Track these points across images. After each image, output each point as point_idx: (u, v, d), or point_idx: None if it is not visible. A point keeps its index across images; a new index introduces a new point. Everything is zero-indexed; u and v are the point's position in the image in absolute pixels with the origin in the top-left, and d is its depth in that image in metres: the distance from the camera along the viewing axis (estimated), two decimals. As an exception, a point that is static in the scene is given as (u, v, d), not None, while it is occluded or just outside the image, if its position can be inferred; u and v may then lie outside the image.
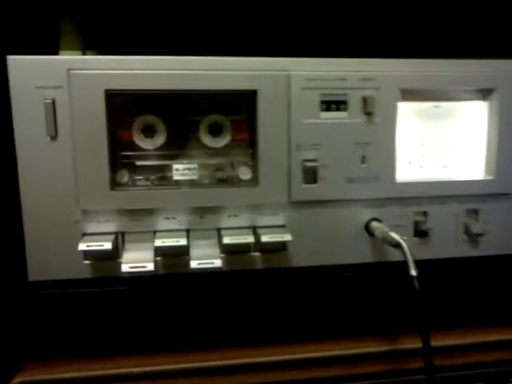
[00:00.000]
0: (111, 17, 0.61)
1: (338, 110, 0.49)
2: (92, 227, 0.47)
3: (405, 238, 0.46)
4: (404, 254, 0.45)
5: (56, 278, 0.47)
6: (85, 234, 0.47)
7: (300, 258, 0.50)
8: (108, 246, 0.45)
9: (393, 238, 0.47)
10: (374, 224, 0.50)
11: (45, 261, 0.47)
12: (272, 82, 0.47)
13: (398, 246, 0.46)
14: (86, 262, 0.48)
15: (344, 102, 0.49)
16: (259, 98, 0.47)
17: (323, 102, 0.48)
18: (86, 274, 0.48)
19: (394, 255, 0.50)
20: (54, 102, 0.45)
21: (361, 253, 0.52)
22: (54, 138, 0.45)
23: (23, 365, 0.48)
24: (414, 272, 0.44)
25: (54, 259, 0.47)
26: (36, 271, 0.47)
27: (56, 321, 0.48)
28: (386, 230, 0.48)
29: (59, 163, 0.46)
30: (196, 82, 0.46)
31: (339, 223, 0.51)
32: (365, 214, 0.51)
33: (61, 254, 0.47)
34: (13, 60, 0.44)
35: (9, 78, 0.45)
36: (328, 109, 0.48)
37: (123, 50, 0.47)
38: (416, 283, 0.44)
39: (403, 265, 0.45)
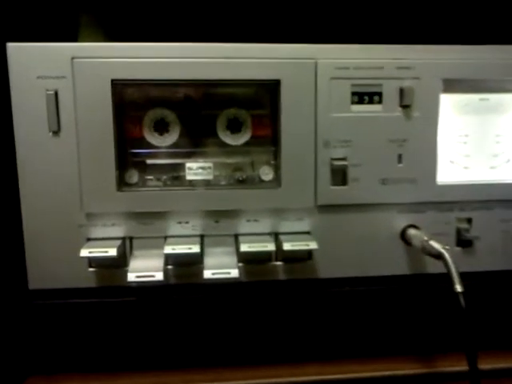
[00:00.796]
0: (131, 6, 0.56)
1: (371, 102, 0.44)
2: (97, 232, 0.43)
3: (447, 247, 0.41)
4: (447, 266, 0.39)
5: (58, 286, 0.43)
6: (89, 239, 0.43)
7: (327, 269, 0.45)
8: (113, 252, 0.41)
9: (433, 248, 0.41)
10: (412, 231, 0.45)
11: (46, 268, 0.43)
12: (297, 70, 0.42)
13: (439, 257, 0.41)
14: (91, 269, 0.44)
15: (378, 94, 0.44)
16: (283, 89, 0.42)
17: (355, 94, 0.43)
18: (91, 282, 0.44)
19: (434, 267, 0.45)
20: (56, 94, 0.41)
21: (396, 263, 0.46)
22: (56, 133, 0.41)
23: (25, 380, 0.44)
24: (459, 288, 0.38)
25: (56, 266, 0.43)
26: (37, 279, 0.43)
27: (58, 333, 0.44)
28: (426, 238, 0.43)
29: (62, 161, 0.42)
30: (213, 71, 0.42)
31: (371, 230, 0.46)
32: (401, 220, 0.46)
33: (63, 261, 0.43)
34: (12, 47, 0.41)
35: (8, 67, 0.41)
36: (360, 101, 0.44)
37: (143, 40, 0.42)
38: (462, 300, 0.38)
39: (445, 278, 0.39)
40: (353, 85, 0.43)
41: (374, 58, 0.43)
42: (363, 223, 0.45)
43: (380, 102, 0.44)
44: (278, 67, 0.42)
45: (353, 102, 0.43)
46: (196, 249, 0.41)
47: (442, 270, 0.40)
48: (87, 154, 0.42)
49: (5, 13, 0.47)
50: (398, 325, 0.47)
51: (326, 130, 0.43)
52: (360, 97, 0.43)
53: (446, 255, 0.40)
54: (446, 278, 0.39)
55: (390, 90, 0.44)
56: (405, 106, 0.44)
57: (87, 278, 0.43)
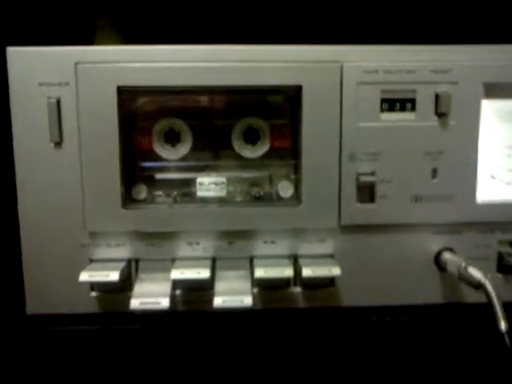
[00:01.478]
0: (140, 7, 0.53)
1: (403, 110, 0.39)
2: (101, 252, 0.40)
3: (489, 276, 0.36)
4: (489, 299, 0.35)
5: (58, 311, 0.40)
6: (92, 260, 0.40)
7: (351, 297, 0.41)
8: (115, 276, 0.37)
9: (473, 277, 0.37)
10: (447, 255, 0.40)
11: (45, 291, 0.40)
12: (320, 75, 0.38)
13: (479, 287, 0.36)
14: (93, 293, 0.40)
15: (411, 101, 0.39)
16: (304, 96, 0.38)
17: (385, 101, 0.39)
18: (93, 308, 0.40)
19: (473, 296, 0.40)
20: (58, 102, 0.38)
21: (429, 291, 0.42)
22: (58, 144, 0.38)
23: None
24: (503, 326, 0.33)
25: (56, 289, 0.40)
26: (35, 303, 0.40)
27: (57, 361, 0.41)
28: (464, 264, 0.38)
29: (64, 175, 0.39)
30: (228, 77, 0.38)
31: (402, 254, 0.41)
32: (435, 243, 0.41)
33: (64, 284, 0.40)
34: (12, 52, 0.38)
35: (8, 72, 0.38)
36: (391, 109, 0.39)
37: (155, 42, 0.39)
38: (507, 339, 0.33)
39: (486, 309, 0.35)
40: (382, 90, 0.39)
41: (406, 61, 0.39)
42: (392, 246, 0.41)
43: (413, 109, 0.39)
44: (300, 71, 0.38)
45: (382, 110, 0.39)
46: (206, 274, 0.37)
47: (483, 299, 0.35)
48: (91, 168, 0.39)
49: (7, 15, 0.44)
50: (430, 362, 0.42)
51: (353, 141, 0.39)
52: (390, 104, 0.39)
53: (488, 286, 0.35)
54: (488, 309, 0.35)
55: (424, 96, 0.39)
56: (441, 114, 0.39)
57: (89, 303, 0.40)
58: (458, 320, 0.42)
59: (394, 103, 0.39)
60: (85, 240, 0.40)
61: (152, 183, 0.42)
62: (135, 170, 0.41)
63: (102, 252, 0.40)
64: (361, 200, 0.40)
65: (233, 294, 0.37)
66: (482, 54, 0.40)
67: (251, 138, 0.42)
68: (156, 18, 0.52)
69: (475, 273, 0.37)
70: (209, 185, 0.40)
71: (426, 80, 0.39)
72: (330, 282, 0.41)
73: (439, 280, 0.41)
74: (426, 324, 0.41)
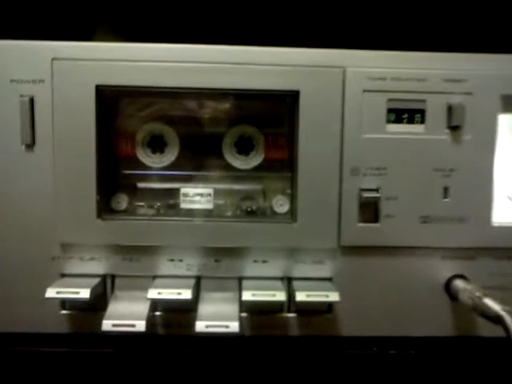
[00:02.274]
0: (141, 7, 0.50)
1: (411, 121, 0.36)
2: (73, 266, 0.36)
3: (508, 308, 0.32)
4: (508, 333, 0.31)
5: (24, 330, 0.37)
6: (64, 275, 0.36)
7: (350, 325, 0.38)
8: (85, 294, 0.34)
9: (489, 308, 0.32)
10: (459, 284, 0.37)
11: (11, 307, 0.37)
12: (320, 80, 0.35)
13: (497, 320, 0.31)
14: (64, 312, 0.37)
15: (421, 112, 0.36)
16: (302, 103, 0.35)
17: (391, 111, 0.36)
18: (63, 327, 0.37)
19: (489, 329, 0.35)
20: (32, 101, 0.35)
21: (438, 322, 0.38)
22: (29, 147, 0.35)
23: None
24: (525, 365, 0.29)
25: (23, 306, 0.37)
26: (-1, 320, 0.37)
27: (22, 385, 0.37)
28: (478, 294, 0.34)
29: (35, 180, 0.36)
30: (219, 79, 0.35)
31: (409, 279, 0.37)
32: (446, 269, 0.37)
33: (31, 300, 0.36)
34: (-17, 46, 0.35)
35: (-22, 68, 0.35)
36: (398, 120, 0.36)
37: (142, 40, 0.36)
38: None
39: (503, 343, 0.31)
40: (389, 100, 0.36)
41: (416, 68, 0.36)
42: (398, 271, 0.37)
43: (422, 121, 0.36)
44: (298, 76, 0.35)
45: (389, 121, 0.36)
46: (187, 295, 0.34)
47: (500, 333, 0.31)
48: (64, 173, 0.35)
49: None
50: (438, 400, 0.38)
51: (355, 154, 0.36)
52: (398, 115, 0.36)
53: (508, 320, 0.31)
54: (506, 344, 0.30)
55: (435, 108, 0.36)
56: (453, 128, 0.36)
57: (58, 323, 0.37)
58: (471, 356, 0.38)
59: (401, 114, 0.36)
60: (56, 252, 0.36)
61: (133, 193, 0.39)
62: (115, 178, 0.38)
63: (75, 266, 0.36)
64: (363, 219, 0.36)
65: (218, 318, 0.34)
66: (500, 63, 0.36)
67: (244, 147, 0.39)
68: (148, 17, 0.49)
69: (492, 304, 0.33)
70: (194, 196, 0.36)
71: (437, 90, 0.36)
72: (327, 308, 0.37)
73: (450, 310, 0.37)
74: (435, 359, 0.37)
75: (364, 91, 0.35)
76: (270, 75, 0.35)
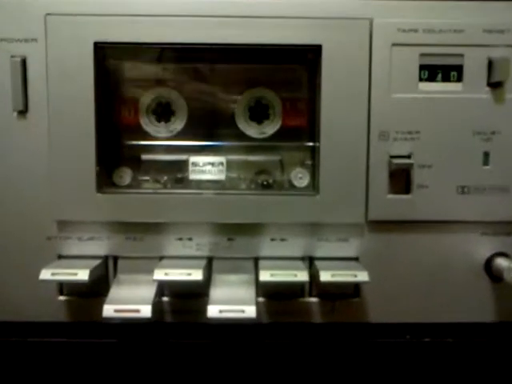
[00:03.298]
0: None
1: (447, 79, 0.33)
2: (71, 247, 0.33)
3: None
4: None
5: (19, 319, 0.34)
6: (61, 257, 0.33)
7: (380, 311, 0.34)
8: (84, 276, 0.30)
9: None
10: (502, 262, 0.33)
11: (4, 294, 0.34)
12: (345, 33, 0.32)
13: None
14: (61, 298, 0.34)
15: (457, 68, 0.33)
16: (325, 60, 0.32)
17: (424, 67, 0.33)
18: (61, 315, 0.34)
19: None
20: (24, 62, 0.32)
21: (478, 306, 0.34)
22: (22, 113, 0.33)
23: None
24: None
25: (17, 292, 0.34)
26: (-10, 308, 0.34)
27: (16, 379, 0.34)
28: (526, 272, 0.30)
29: (28, 150, 0.33)
30: (231, 34, 0.32)
31: (444, 258, 0.34)
32: (486, 246, 0.34)
33: (26, 285, 0.33)
34: (-31, 2, 0.32)
35: (-36, 27, 0.32)
36: (432, 77, 0.33)
37: None
38: None
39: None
40: (422, 54, 0.32)
41: (452, 18, 0.32)
42: (432, 248, 0.34)
43: (460, 78, 0.33)
44: (319, 28, 0.32)
45: (422, 79, 0.33)
46: (198, 275, 0.30)
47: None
48: (60, 143, 0.32)
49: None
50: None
51: (384, 116, 0.32)
52: (432, 71, 0.33)
53: None
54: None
55: (474, 62, 0.32)
56: (495, 85, 0.32)
57: (56, 310, 0.34)
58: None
59: (435, 70, 0.33)
60: (52, 231, 0.33)
61: (137, 165, 0.35)
62: (117, 150, 0.35)
63: (73, 246, 0.33)
64: (393, 190, 0.33)
65: (232, 302, 0.30)
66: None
67: (259, 113, 0.36)
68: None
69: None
70: (204, 165, 0.33)
71: (476, 42, 0.32)
72: (353, 291, 0.34)
73: (492, 292, 0.34)
74: (475, 348, 0.34)
75: (393, 45, 0.32)
76: (288, 29, 0.32)
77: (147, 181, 0.35)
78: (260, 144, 0.36)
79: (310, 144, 0.35)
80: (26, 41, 0.32)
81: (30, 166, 0.32)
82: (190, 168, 0.33)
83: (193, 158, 0.33)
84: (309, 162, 0.35)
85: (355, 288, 0.34)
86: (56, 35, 0.31)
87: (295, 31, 0.32)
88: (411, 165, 0.32)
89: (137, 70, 0.35)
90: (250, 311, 0.30)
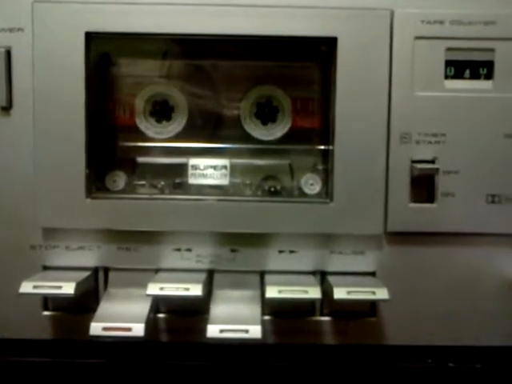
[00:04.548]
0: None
1: (476, 76, 0.30)
2: (57, 257, 0.31)
3: None
4: None
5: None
6: (46, 268, 0.31)
7: (399, 331, 0.31)
8: (69, 289, 0.28)
9: None
10: (537, 279, 0.30)
11: None
12: (363, 25, 0.29)
13: None
14: (46, 313, 0.31)
15: (488, 64, 0.30)
16: (340, 54, 0.29)
17: (451, 63, 0.30)
18: (46, 332, 0.31)
19: None
20: (8, 53, 0.30)
21: (509, 328, 0.31)
22: (6, 109, 0.30)
23: None
24: None
25: None
26: (-32, 324, 0.31)
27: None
28: None
29: (12, 150, 0.30)
30: (237, 25, 0.29)
31: (472, 274, 0.31)
32: (519, 261, 0.31)
33: (6, 300, 0.31)
34: None
35: None
36: (459, 74, 0.30)
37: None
38: None
39: None
40: (449, 49, 0.29)
41: (482, 8, 0.29)
42: (459, 263, 0.31)
43: (490, 76, 0.30)
44: (334, 19, 0.29)
45: (448, 76, 0.30)
46: (197, 291, 0.27)
47: None
48: (47, 142, 0.29)
49: None
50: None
51: (406, 117, 0.30)
52: (459, 68, 0.30)
53: None
54: None
55: (506, 58, 0.29)
56: (530, 83, 0.30)
57: (40, 327, 0.31)
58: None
59: (463, 67, 0.30)
60: (36, 239, 0.31)
61: (133, 169, 0.33)
62: (110, 151, 0.33)
63: (60, 256, 0.31)
64: (416, 198, 0.30)
65: (235, 321, 0.28)
66: None
67: (266, 113, 0.33)
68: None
69: None
70: (205, 169, 0.30)
71: (509, 35, 0.29)
72: (370, 309, 0.31)
73: (526, 313, 0.31)
74: (505, 374, 0.31)
75: (416, 38, 0.29)
76: (299, 19, 0.29)
77: (143, 185, 0.32)
78: (267, 146, 0.33)
79: (323, 147, 0.32)
80: (11, 30, 0.29)
81: (14, 168, 0.30)
82: (190, 171, 0.30)
83: (192, 161, 0.30)
84: (321, 167, 0.32)
85: (371, 306, 0.31)
86: (44, 24, 0.29)
87: (307, 22, 0.29)
88: (436, 170, 0.29)
89: (133, 64, 0.32)
90: (255, 331, 0.27)
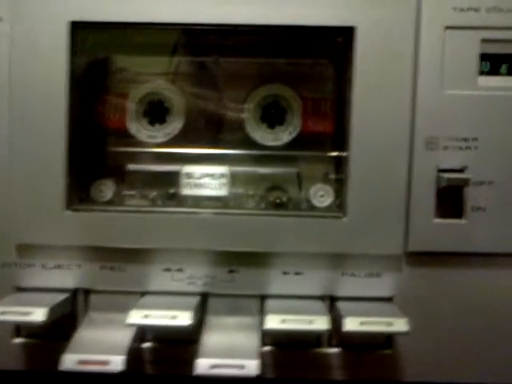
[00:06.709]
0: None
1: None
2: (33, 277, 0.28)
3: None
4: None
5: None
6: (20, 289, 0.28)
7: (418, 367, 0.28)
8: (39, 315, 0.24)
9: None
10: None
11: None
12: (385, 13, 0.26)
13: None
14: (17, 340, 0.28)
15: None
16: (359, 46, 0.26)
17: (486, 57, 0.27)
18: (17, 362, 0.28)
19: None
20: None
21: None
22: None
23: None
24: None
25: None
26: None
27: None
28: None
29: None
30: (240, 13, 0.26)
31: (505, 301, 0.28)
32: (561, 287, 0.27)
33: None
34: None
35: None
36: (495, 70, 0.27)
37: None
38: None
39: None
40: (484, 40, 0.26)
41: (521, -5, 0.26)
42: (490, 288, 0.28)
43: None
44: (352, 6, 0.26)
45: (482, 72, 0.27)
46: (185, 319, 0.24)
47: None
48: (23, 146, 0.27)
49: None
50: None
51: (433, 118, 0.27)
52: (495, 62, 0.27)
53: None
54: None
55: None
56: None
57: (11, 355, 0.28)
58: None
59: (499, 61, 0.27)
60: (10, 257, 0.28)
61: (122, 177, 0.30)
62: (98, 157, 0.30)
63: (35, 276, 0.28)
64: (442, 213, 0.27)
65: (228, 354, 0.24)
66: None
67: (273, 115, 0.30)
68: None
69: None
70: (201, 178, 0.27)
71: None
72: (385, 341, 0.28)
73: None
74: None
75: (447, 28, 0.26)
76: (313, 6, 0.26)
77: (133, 196, 0.29)
78: (273, 153, 0.30)
79: (336, 153, 0.29)
80: (-11, 20, 0.27)
81: (-15, 177, 0.27)
82: (184, 180, 0.27)
83: (186, 168, 0.27)
84: (333, 177, 0.29)
85: (387, 337, 0.28)
86: (24, 13, 0.26)
87: (321, 9, 0.26)
88: (466, 181, 0.26)
89: (125, 59, 0.30)
90: (251, 367, 0.23)
